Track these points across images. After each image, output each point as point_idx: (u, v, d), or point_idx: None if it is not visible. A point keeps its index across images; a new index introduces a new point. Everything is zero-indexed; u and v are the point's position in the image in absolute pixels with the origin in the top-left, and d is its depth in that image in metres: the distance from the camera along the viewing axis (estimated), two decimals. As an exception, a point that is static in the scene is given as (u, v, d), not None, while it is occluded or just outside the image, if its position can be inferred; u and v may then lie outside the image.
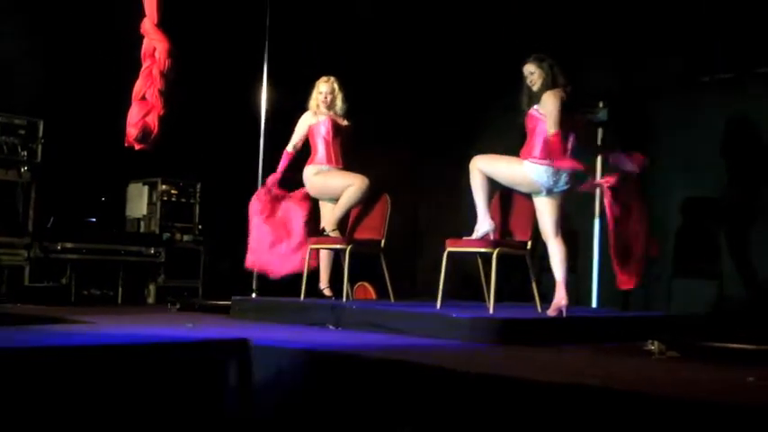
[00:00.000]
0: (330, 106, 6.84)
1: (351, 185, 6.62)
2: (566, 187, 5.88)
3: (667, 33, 7.52)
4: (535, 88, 5.86)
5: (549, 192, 5.83)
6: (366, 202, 6.81)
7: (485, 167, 5.95)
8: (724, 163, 7.26)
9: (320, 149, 6.77)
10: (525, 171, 5.81)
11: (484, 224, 5.95)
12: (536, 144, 5.81)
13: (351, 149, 6.93)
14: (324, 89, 6.83)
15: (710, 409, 3.08)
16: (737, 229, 7.21)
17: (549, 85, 5.81)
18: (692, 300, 7.20)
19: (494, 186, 6.05)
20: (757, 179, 7.08)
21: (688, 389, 3.68)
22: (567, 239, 5.96)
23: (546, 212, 5.88)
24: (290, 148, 6.89)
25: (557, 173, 5.78)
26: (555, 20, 8.19)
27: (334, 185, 6.70)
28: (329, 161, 6.76)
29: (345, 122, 6.90)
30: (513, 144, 6.07)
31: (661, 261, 7.50)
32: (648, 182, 7.63)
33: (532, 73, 5.86)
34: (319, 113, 6.82)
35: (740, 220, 7.21)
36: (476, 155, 6.01)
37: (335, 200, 6.70)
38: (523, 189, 5.97)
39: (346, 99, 6.90)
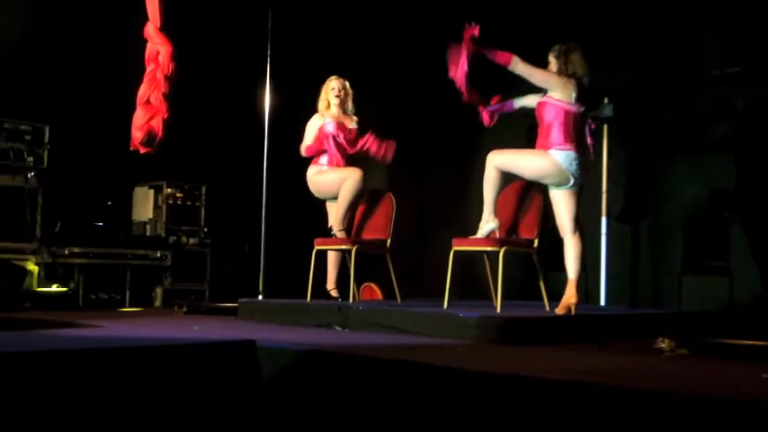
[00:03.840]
0: (342, 103, 6.83)
1: (347, 179, 6.60)
2: (586, 177, 5.79)
3: (675, 28, 7.48)
4: None
5: (576, 182, 5.70)
6: (370, 202, 6.79)
7: (503, 164, 5.76)
8: (733, 158, 7.21)
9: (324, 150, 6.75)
10: (554, 160, 5.63)
11: (489, 222, 5.81)
12: (554, 131, 5.65)
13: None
14: (335, 85, 6.83)
15: (725, 407, 3.04)
16: (748, 225, 7.16)
17: (560, 74, 5.75)
18: (703, 296, 7.16)
19: (505, 183, 5.95)
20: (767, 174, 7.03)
21: (701, 386, 3.65)
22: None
23: (565, 206, 5.75)
24: (304, 145, 6.83)
25: (581, 160, 5.68)
26: (559, 17, 8.15)
27: (331, 181, 6.68)
28: (330, 162, 6.74)
29: (352, 125, 6.86)
30: (518, 141, 6.00)
31: (671, 258, 7.48)
32: (656, 178, 7.65)
33: (549, 62, 5.83)
34: (327, 114, 6.80)
35: (750, 215, 7.16)
36: (492, 150, 5.85)
37: (337, 197, 6.68)
38: (550, 181, 5.76)
39: (354, 100, 6.90)
